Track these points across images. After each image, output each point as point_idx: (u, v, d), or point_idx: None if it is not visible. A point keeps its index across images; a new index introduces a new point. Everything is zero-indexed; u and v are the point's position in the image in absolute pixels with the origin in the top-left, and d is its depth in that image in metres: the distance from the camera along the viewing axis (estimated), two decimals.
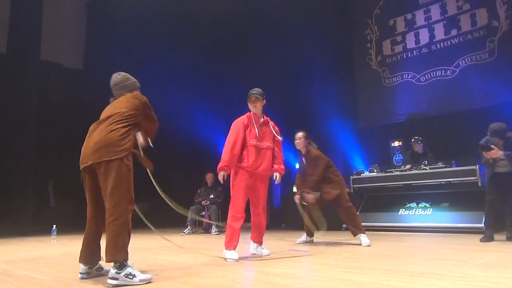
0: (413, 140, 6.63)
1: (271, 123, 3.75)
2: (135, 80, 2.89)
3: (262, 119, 3.68)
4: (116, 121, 2.54)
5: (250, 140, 3.54)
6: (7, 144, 7.80)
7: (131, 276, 2.31)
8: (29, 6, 8.18)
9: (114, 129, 2.50)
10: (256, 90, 3.68)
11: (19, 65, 8.05)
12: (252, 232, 3.75)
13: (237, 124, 3.57)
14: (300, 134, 4.70)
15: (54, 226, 5.81)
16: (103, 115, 2.68)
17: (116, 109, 2.62)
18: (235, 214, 3.43)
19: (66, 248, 4.63)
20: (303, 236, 4.74)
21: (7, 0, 8.16)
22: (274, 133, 3.71)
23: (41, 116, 8.30)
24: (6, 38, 8.17)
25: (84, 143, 2.60)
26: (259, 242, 3.74)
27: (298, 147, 4.72)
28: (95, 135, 2.54)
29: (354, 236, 4.40)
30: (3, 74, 7.98)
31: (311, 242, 4.67)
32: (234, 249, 3.38)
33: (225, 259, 3.32)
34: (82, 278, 2.55)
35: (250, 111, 3.67)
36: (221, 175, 3.43)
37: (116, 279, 2.30)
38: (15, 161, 7.79)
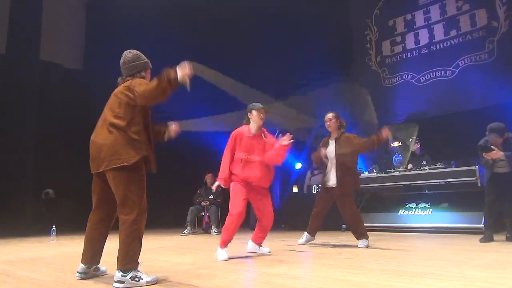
0: (410, 140, 6.64)
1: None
2: (147, 60, 2.66)
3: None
4: (115, 127, 2.40)
5: None
6: (6, 144, 7.80)
7: (137, 279, 2.30)
8: (29, 6, 8.19)
9: (116, 137, 2.38)
10: None
11: (19, 65, 8.06)
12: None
13: None
14: (330, 115, 4.35)
15: (54, 226, 5.80)
16: (106, 107, 2.54)
17: (110, 113, 2.46)
18: None
19: (65, 249, 4.62)
20: (304, 236, 4.59)
21: (7, 0, 8.16)
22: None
23: (41, 116, 8.30)
24: (6, 38, 8.18)
25: (91, 142, 2.49)
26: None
27: (329, 129, 4.39)
28: (99, 138, 2.44)
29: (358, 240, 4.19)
30: (3, 74, 7.98)
31: (311, 241, 4.57)
32: None
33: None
34: (80, 278, 2.53)
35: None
36: None
37: (122, 282, 2.29)
38: (14, 161, 7.79)
